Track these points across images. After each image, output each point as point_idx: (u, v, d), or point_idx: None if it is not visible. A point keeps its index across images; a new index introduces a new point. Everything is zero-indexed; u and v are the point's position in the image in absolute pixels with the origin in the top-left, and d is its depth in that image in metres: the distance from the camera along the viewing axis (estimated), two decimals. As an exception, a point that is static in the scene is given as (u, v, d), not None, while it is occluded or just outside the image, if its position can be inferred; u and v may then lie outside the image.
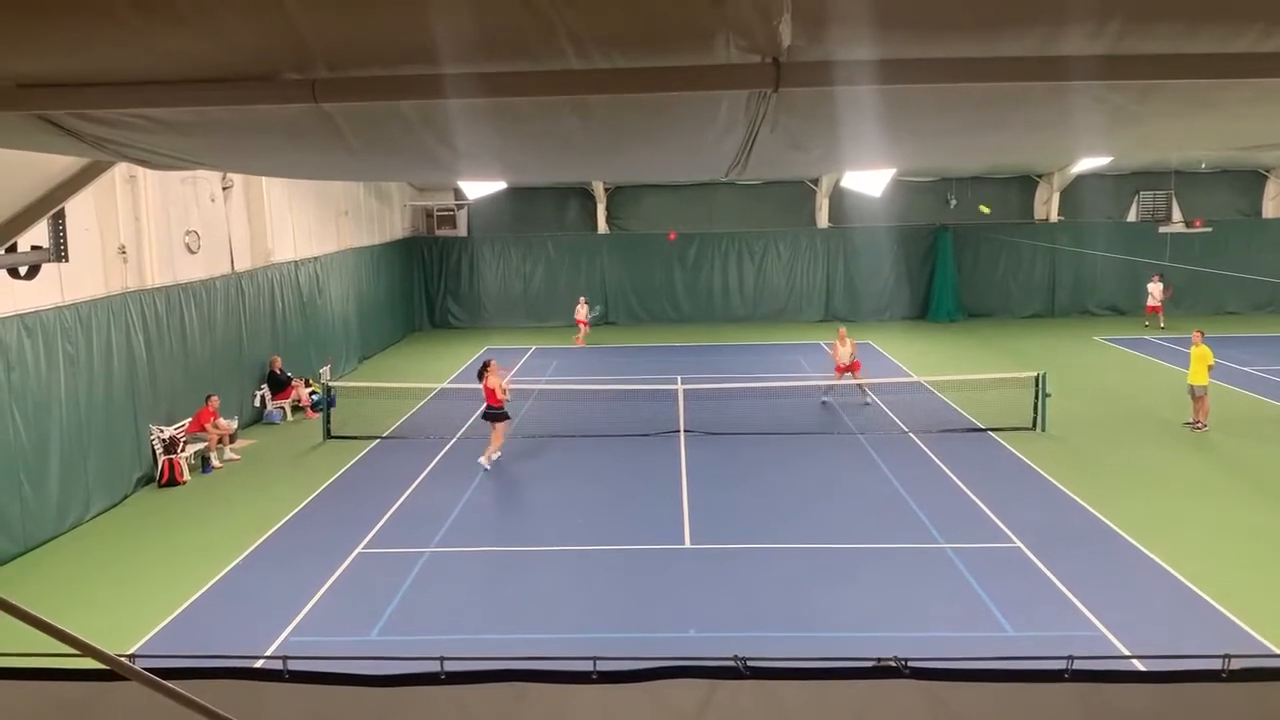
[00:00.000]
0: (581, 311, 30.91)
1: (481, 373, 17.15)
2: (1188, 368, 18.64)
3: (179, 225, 18.07)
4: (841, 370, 21.41)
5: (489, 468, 16.55)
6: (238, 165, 3.76)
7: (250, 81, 2.11)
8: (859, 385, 21.51)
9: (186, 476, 16.26)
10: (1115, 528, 13.25)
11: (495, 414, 16.94)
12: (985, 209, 31.72)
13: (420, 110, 2.36)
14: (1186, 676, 3.84)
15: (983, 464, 16.49)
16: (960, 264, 33.92)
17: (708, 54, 2.07)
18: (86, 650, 3.01)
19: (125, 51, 2.01)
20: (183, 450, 16.36)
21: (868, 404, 21.11)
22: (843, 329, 22.23)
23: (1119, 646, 9.83)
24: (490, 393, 16.92)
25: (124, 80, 2.14)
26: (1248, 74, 2.11)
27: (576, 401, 21.38)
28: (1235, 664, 3.80)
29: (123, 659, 3.15)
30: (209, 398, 17.48)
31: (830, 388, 21.68)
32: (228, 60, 2.04)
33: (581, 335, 30.62)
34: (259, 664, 4.08)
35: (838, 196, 34.06)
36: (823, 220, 34.38)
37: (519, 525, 13.90)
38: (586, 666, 3.74)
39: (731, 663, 3.77)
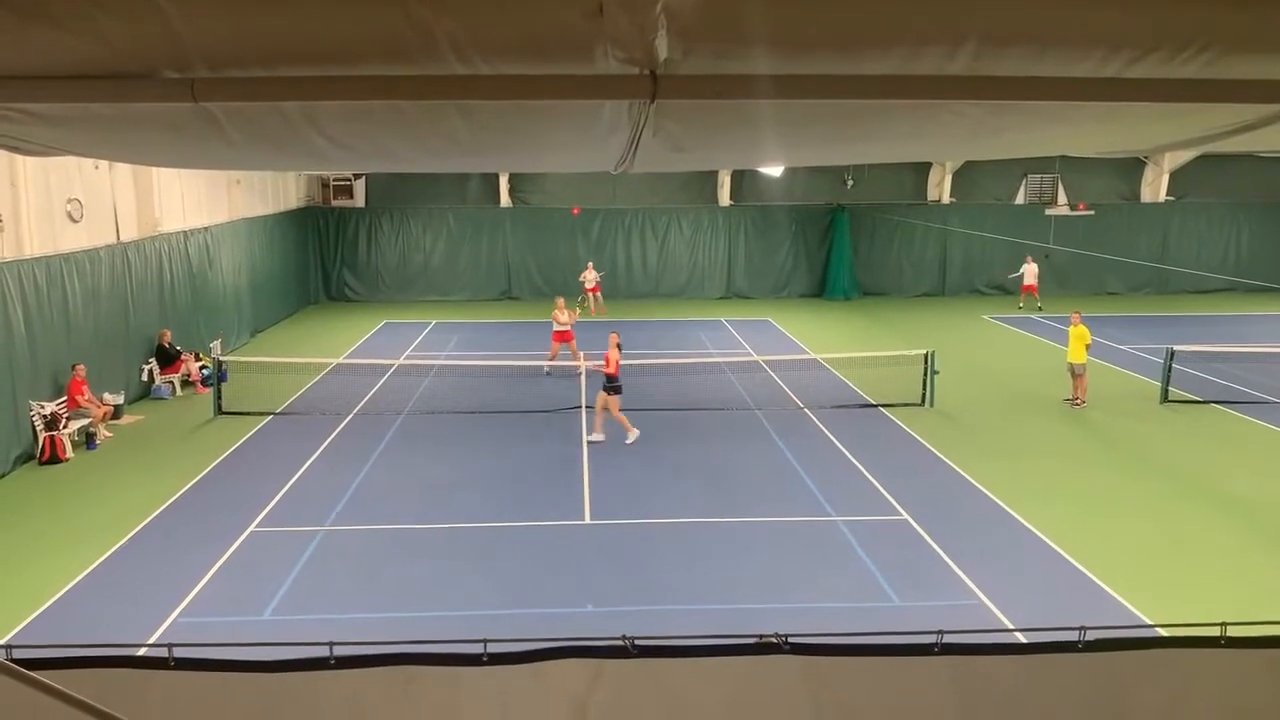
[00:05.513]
0: (591, 277, 30.90)
1: None
2: (1068, 346, 19.50)
3: (60, 193, 17.33)
4: (564, 339, 21.64)
5: None
6: (112, 155, 3.68)
7: (129, 79, 2.09)
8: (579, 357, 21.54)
9: (69, 454, 15.69)
10: (996, 499, 13.84)
11: None
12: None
13: (304, 109, 2.36)
14: (1046, 648, 4.08)
15: (874, 439, 17.00)
16: (856, 243, 34.66)
17: (587, 64, 2.14)
18: None
19: (-4, 47, 1.98)
20: (65, 427, 15.77)
21: (549, 373, 21.47)
22: (560, 299, 22.58)
23: (998, 614, 10.31)
24: None
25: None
26: (1090, 97, 2.27)
27: (477, 377, 21.28)
28: (1090, 635, 4.06)
29: None
30: (74, 367, 16.71)
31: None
32: (105, 58, 2.02)
33: (597, 303, 30.67)
34: (142, 651, 4.00)
35: (739, 175, 34.42)
36: (725, 198, 34.72)
37: (417, 503, 13.80)
38: (477, 649, 3.79)
39: (619, 642, 3.87)
